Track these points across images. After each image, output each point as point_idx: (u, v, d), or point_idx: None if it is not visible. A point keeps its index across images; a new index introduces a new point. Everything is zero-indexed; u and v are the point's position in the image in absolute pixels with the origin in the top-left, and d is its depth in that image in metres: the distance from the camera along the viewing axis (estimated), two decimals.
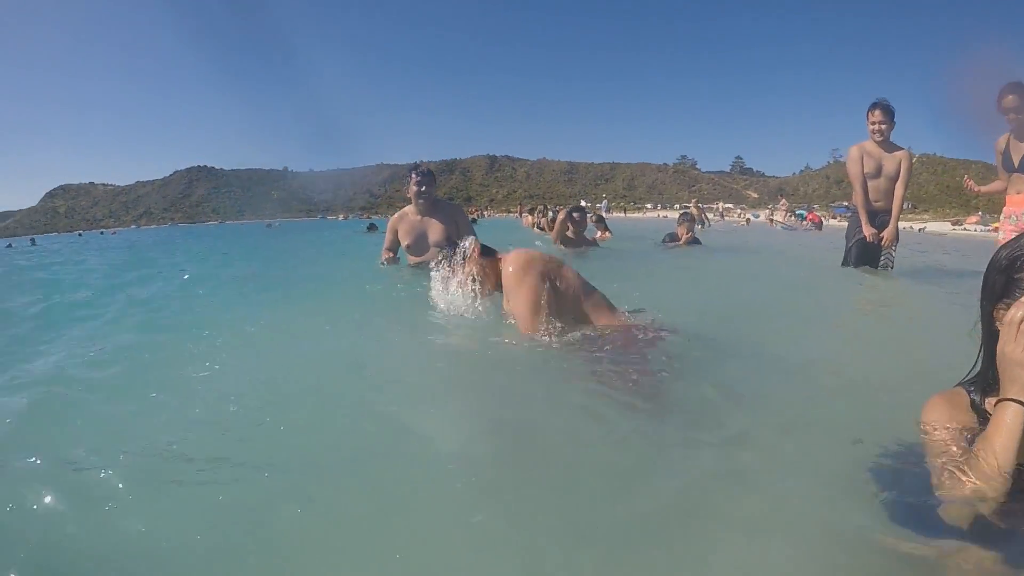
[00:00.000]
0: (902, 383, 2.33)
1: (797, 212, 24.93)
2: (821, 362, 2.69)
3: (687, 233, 8.94)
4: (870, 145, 5.52)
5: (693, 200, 16.93)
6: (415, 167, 5.15)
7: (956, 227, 28.73)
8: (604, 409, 1.94)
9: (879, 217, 5.61)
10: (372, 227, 18.54)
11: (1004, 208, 4.87)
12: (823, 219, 26.40)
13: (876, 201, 5.58)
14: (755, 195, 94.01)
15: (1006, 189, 4.85)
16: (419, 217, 5.13)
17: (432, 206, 5.13)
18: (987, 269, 1.34)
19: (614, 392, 2.05)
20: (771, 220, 26.63)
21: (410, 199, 5.15)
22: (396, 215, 5.33)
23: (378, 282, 4.92)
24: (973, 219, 33.05)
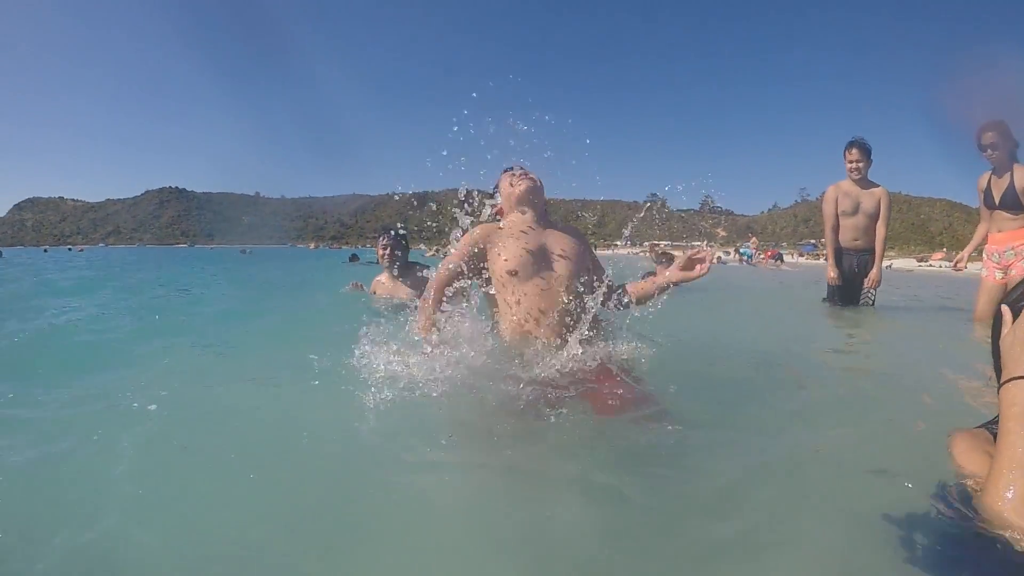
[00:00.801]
0: (901, 414, 2.29)
1: (741, 251, 25.26)
2: (821, 394, 2.64)
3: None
4: (847, 184, 5.49)
5: (649, 244, 17.07)
6: (385, 229, 4.88)
7: (922, 263, 29.44)
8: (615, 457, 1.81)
9: (859, 256, 5.54)
10: (354, 258, 18.15)
11: (986, 247, 4.83)
12: (782, 255, 27.02)
13: (855, 239, 5.52)
14: (723, 233, 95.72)
15: (988, 230, 4.80)
16: (390, 283, 4.94)
17: (403, 269, 4.88)
18: (995, 313, 1.31)
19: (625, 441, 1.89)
20: (741, 259, 27.18)
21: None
22: (376, 279, 5.12)
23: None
24: (938, 255, 34.08)
